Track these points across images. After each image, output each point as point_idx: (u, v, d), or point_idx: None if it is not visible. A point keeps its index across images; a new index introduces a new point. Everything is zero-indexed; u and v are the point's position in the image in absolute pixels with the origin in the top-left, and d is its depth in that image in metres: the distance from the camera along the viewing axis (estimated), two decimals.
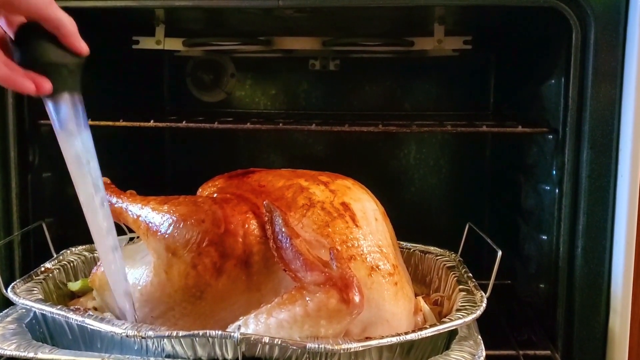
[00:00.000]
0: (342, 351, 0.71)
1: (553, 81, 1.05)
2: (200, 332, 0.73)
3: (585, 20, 0.93)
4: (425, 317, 0.87)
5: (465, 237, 1.05)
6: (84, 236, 1.09)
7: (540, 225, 1.10)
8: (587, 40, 0.93)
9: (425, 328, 0.77)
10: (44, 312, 0.84)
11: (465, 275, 0.94)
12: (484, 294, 0.86)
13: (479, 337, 0.81)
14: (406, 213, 1.52)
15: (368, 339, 0.73)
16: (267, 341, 0.72)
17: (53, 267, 0.99)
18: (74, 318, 0.79)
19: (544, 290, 1.07)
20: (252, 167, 1.01)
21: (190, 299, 0.80)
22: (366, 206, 0.88)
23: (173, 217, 0.82)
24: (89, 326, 0.78)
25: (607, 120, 0.93)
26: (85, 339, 0.83)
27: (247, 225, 0.81)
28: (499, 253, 0.86)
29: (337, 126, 1.08)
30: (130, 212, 0.90)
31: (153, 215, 0.85)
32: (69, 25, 0.70)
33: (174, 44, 1.30)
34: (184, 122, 1.10)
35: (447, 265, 1.00)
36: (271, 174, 0.95)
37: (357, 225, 0.84)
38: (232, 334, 0.72)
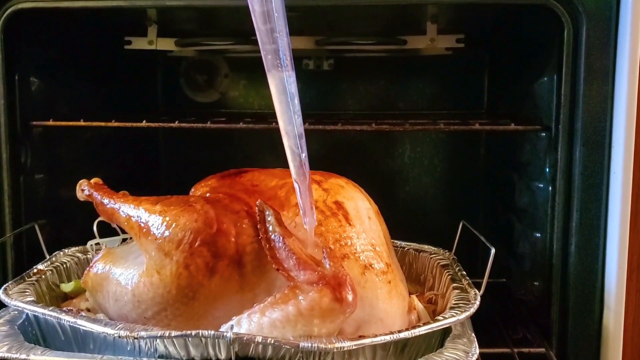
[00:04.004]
0: (335, 350, 0.71)
1: (545, 79, 1.05)
2: (193, 332, 0.73)
3: (577, 18, 0.93)
4: (419, 315, 0.87)
5: (460, 236, 1.05)
6: (76, 237, 1.10)
7: (533, 223, 1.10)
8: (579, 38, 0.93)
9: (419, 326, 0.76)
10: (37, 314, 0.83)
11: (459, 274, 0.94)
12: (477, 291, 0.86)
13: (473, 334, 0.81)
14: (401, 212, 1.53)
15: (362, 337, 0.73)
16: (260, 341, 0.71)
17: (46, 269, 0.98)
18: (66, 319, 0.79)
19: (538, 287, 1.08)
20: (246, 167, 1.01)
21: (183, 300, 0.80)
22: (359, 205, 0.88)
23: (165, 217, 0.82)
24: (81, 327, 0.77)
25: (599, 118, 0.93)
26: (78, 340, 0.82)
27: (239, 225, 0.81)
28: (492, 250, 0.86)
29: (330, 125, 1.08)
30: (122, 213, 0.89)
31: (145, 215, 0.85)
32: None
33: (167, 44, 1.30)
34: (176, 122, 1.10)
35: (441, 263, 1.00)
36: (264, 173, 0.95)
37: (350, 224, 0.83)
38: (225, 333, 0.72)
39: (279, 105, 0.78)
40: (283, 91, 0.78)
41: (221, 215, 0.81)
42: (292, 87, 0.78)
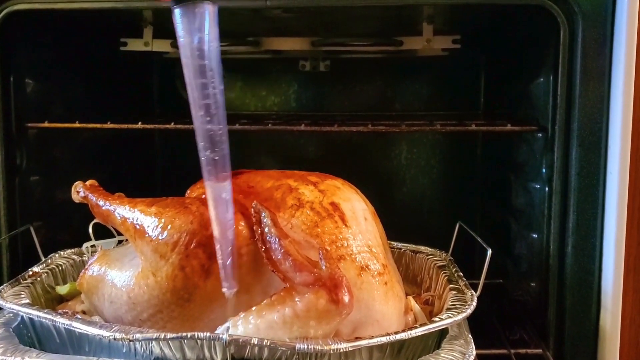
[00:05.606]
0: (331, 351, 0.71)
1: (542, 79, 1.05)
2: (189, 334, 0.72)
3: (573, 19, 0.93)
4: (415, 316, 0.87)
5: (456, 237, 1.05)
6: (72, 239, 1.09)
7: (530, 223, 1.10)
8: (575, 39, 0.93)
9: (416, 327, 0.76)
10: (32, 316, 0.83)
11: (455, 275, 0.94)
12: (474, 292, 0.85)
13: (470, 335, 0.80)
14: (397, 213, 1.53)
15: (358, 339, 0.73)
16: (256, 342, 0.71)
17: (41, 271, 0.98)
18: (61, 322, 0.78)
19: (535, 288, 1.07)
20: (242, 169, 1.01)
21: (178, 302, 0.79)
22: (355, 206, 0.88)
23: (161, 219, 0.82)
24: (76, 329, 0.77)
25: (595, 118, 0.93)
26: (73, 343, 0.82)
27: (235, 227, 0.80)
28: (489, 251, 0.86)
29: (326, 126, 1.08)
30: (118, 215, 0.89)
31: (141, 217, 0.84)
32: None
33: (162, 46, 1.30)
34: (172, 124, 1.10)
35: (438, 264, 1.00)
36: (260, 174, 0.95)
37: (346, 225, 0.83)
38: (221, 335, 0.72)
39: (215, 215, 0.78)
40: (220, 201, 0.77)
41: None
42: (228, 195, 0.77)
